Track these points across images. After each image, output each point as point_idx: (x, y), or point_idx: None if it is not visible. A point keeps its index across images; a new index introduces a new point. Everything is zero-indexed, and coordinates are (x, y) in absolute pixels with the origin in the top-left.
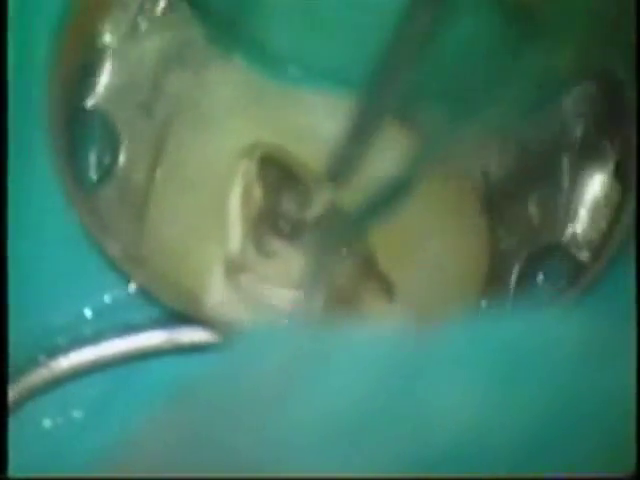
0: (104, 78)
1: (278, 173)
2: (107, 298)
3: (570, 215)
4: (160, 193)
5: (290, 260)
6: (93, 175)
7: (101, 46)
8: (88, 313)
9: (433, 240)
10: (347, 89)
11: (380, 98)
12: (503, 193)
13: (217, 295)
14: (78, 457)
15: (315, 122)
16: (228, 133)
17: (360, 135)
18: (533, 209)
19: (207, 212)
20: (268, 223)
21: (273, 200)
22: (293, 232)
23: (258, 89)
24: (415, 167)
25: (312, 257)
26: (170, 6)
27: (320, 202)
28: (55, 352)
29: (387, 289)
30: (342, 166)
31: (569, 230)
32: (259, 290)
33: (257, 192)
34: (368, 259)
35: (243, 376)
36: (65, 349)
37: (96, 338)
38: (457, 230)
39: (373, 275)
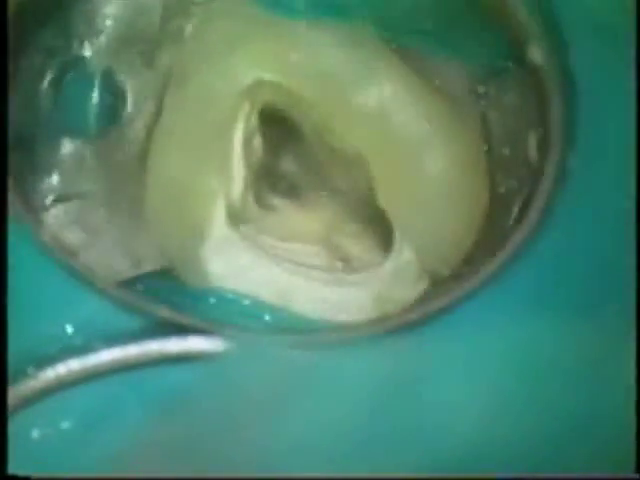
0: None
1: (279, 131)
2: (95, 307)
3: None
4: (163, 132)
5: (289, 215)
6: (96, 124)
7: None
8: (77, 322)
9: (437, 181)
10: (350, 22)
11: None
12: (501, 137)
13: (218, 236)
14: (67, 468)
15: (317, 57)
16: (230, 70)
17: None
18: (532, 152)
19: (211, 149)
20: (267, 180)
21: (272, 158)
22: (292, 191)
23: (261, 23)
24: None
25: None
26: None
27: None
28: (43, 363)
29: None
30: None
31: None
32: (258, 240)
33: (258, 147)
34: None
35: (237, 387)
36: (53, 360)
37: (85, 348)
38: (461, 171)
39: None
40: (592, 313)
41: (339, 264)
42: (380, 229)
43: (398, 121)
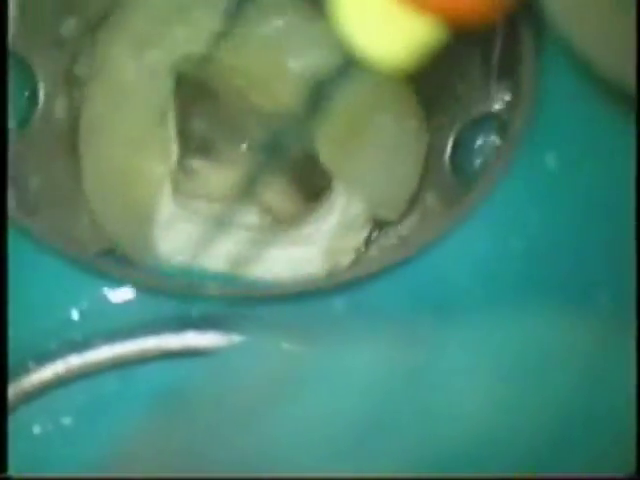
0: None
1: (193, 90)
2: (95, 303)
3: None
4: (92, 117)
5: (210, 176)
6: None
7: None
8: (76, 318)
9: (373, 128)
10: None
11: None
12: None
13: (166, 215)
14: (67, 463)
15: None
16: (163, 44)
17: None
18: (459, 86)
19: (146, 131)
20: (185, 142)
21: (184, 119)
22: (207, 149)
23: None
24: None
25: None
26: None
27: None
28: (43, 359)
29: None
30: None
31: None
32: (190, 206)
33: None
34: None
35: (237, 382)
36: (53, 356)
37: (85, 344)
38: (395, 114)
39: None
40: (592, 310)
41: (268, 219)
42: (304, 181)
43: None
